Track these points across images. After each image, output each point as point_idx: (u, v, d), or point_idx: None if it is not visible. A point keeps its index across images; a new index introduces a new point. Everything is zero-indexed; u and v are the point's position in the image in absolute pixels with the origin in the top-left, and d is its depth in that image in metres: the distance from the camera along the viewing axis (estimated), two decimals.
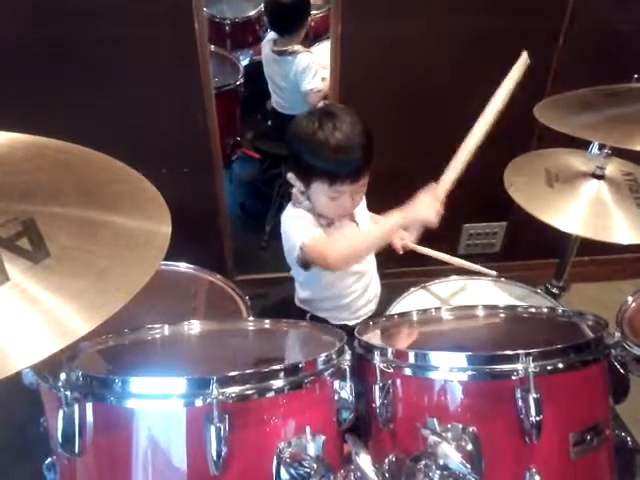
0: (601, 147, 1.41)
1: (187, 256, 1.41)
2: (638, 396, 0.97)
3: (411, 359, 0.89)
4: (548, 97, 1.42)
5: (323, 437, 0.80)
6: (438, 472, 0.80)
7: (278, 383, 0.78)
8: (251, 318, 1.28)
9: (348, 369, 0.88)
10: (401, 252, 1.46)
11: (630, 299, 1.35)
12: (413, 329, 1.16)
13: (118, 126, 1.69)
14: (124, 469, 0.78)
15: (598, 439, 0.87)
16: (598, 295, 2.16)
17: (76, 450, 0.77)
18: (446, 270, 1.53)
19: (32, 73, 1.62)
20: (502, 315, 1.16)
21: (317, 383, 0.84)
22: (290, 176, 1.24)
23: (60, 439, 0.76)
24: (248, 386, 0.76)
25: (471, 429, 0.82)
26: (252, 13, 3.04)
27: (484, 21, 1.75)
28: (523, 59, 1.32)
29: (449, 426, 0.84)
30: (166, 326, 1.06)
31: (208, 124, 1.81)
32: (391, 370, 0.90)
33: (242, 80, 2.50)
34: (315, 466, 0.75)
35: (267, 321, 1.14)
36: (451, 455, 0.79)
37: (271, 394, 0.78)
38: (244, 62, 2.78)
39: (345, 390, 0.87)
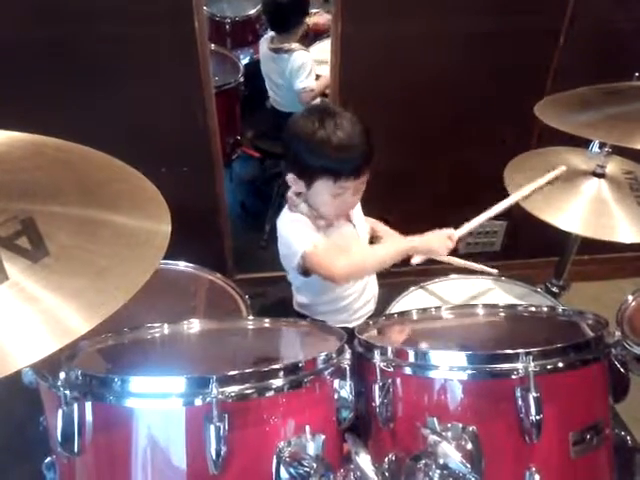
0: (601, 146, 1.40)
1: (187, 255, 1.41)
2: (638, 395, 0.97)
3: (411, 358, 0.89)
4: (548, 96, 1.42)
5: (323, 436, 0.80)
6: (438, 471, 0.80)
7: (278, 382, 0.78)
8: (251, 317, 1.28)
9: (348, 368, 0.88)
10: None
11: (630, 298, 1.35)
12: (413, 328, 1.16)
13: (118, 125, 1.69)
14: (123, 468, 0.78)
15: (598, 438, 0.87)
16: (598, 294, 2.16)
17: (75, 449, 0.77)
18: (445, 269, 1.53)
19: (32, 73, 1.62)
20: (502, 314, 1.16)
21: (317, 382, 0.84)
22: (290, 177, 1.23)
23: (59, 438, 0.76)
24: (248, 385, 0.76)
25: (471, 428, 0.82)
26: (252, 12, 3.04)
27: (484, 20, 1.75)
28: (558, 171, 1.41)
29: (449, 425, 0.84)
30: (166, 325, 1.06)
31: (208, 123, 1.81)
32: (391, 369, 0.90)
33: (242, 79, 2.50)
34: (315, 465, 0.75)
35: (267, 320, 1.13)
36: (451, 454, 0.79)
37: (271, 393, 0.78)
38: (244, 61, 2.78)
39: (345, 389, 0.86)
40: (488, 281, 1.49)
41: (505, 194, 1.42)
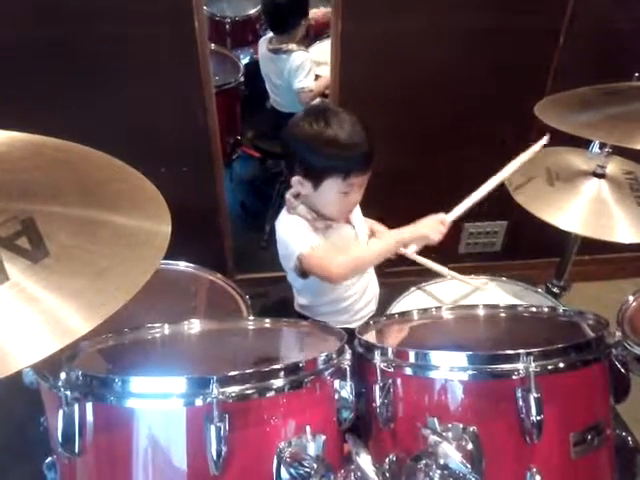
0: (602, 146, 1.41)
1: (187, 255, 1.41)
2: (639, 396, 0.97)
3: (411, 358, 0.89)
4: (548, 96, 1.42)
5: (323, 437, 0.80)
6: (438, 472, 0.79)
7: (278, 382, 0.78)
8: (251, 317, 1.28)
9: (348, 368, 0.88)
10: (392, 257, 1.46)
11: (631, 298, 1.34)
12: (413, 329, 1.16)
13: (118, 125, 1.69)
14: (124, 469, 0.78)
15: (599, 439, 0.87)
16: (599, 294, 2.16)
17: (76, 450, 0.77)
18: None
19: (32, 73, 1.62)
20: (503, 314, 1.15)
21: (317, 382, 0.84)
22: (296, 179, 1.23)
23: (60, 439, 0.76)
24: (248, 385, 0.76)
25: (471, 429, 0.82)
26: (252, 12, 3.04)
27: (484, 19, 1.75)
28: (542, 142, 1.39)
29: (449, 426, 0.83)
30: (166, 325, 1.06)
31: (208, 123, 1.81)
32: (391, 369, 0.90)
33: (242, 79, 2.50)
34: (315, 466, 0.75)
35: (267, 320, 1.13)
36: (451, 455, 0.79)
37: (271, 394, 0.78)
38: (244, 61, 2.78)
39: (345, 389, 0.86)
40: (489, 281, 1.49)
41: (506, 194, 1.42)
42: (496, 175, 1.36)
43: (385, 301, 1.45)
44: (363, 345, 0.99)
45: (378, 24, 1.70)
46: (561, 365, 0.83)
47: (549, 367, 0.82)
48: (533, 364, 0.80)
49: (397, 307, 1.41)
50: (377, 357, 0.91)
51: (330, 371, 0.86)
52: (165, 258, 0.75)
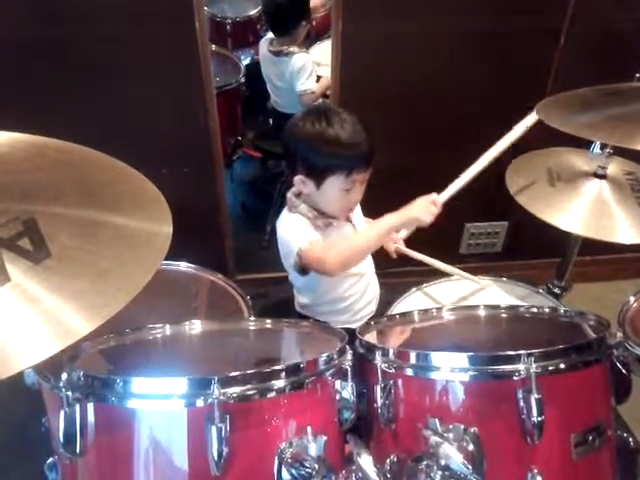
0: (603, 146, 1.40)
1: (188, 255, 1.41)
2: None
3: (412, 359, 0.89)
4: (549, 96, 1.41)
5: (324, 437, 0.80)
6: (440, 473, 0.79)
7: (279, 383, 0.78)
8: (252, 318, 1.28)
9: (349, 369, 0.88)
10: (394, 256, 1.46)
11: (632, 299, 1.34)
12: (414, 329, 1.16)
13: (118, 126, 1.69)
14: (125, 469, 0.78)
15: (600, 440, 0.87)
16: (600, 295, 2.16)
17: (78, 450, 0.77)
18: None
19: (32, 73, 1.62)
20: (504, 315, 1.15)
21: (318, 383, 0.84)
22: (298, 179, 1.24)
23: (62, 439, 0.76)
24: (249, 386, 0.76)
25: (473, 429, 0.82)
26: (253, 12, 3.04)
27: (485, 19, 1.75)
28: (531, 118, 1.36)
29: (451, 426, 0.83)
30: (167, 326, 1.06)
31: (209, 124, 1.81)
32: (392, 370, 0.90)
33: (243, 79, 2.50)
34: (316, 466, 0.75)
35: (268, 321, 1.13)
36: (453, 456, 0.79)
37: (272, 394, 0.78)
38: (245, 61, 2.78)
39: (346, 390, 0.86)
40: (490, 282, 1.49)
41: (507, 195, 1.42)
42: (487, 152, 1.35)
43: (386, 302, 1.45)
44: (364, 346, 0.99)
45: (379, 25, 1.70)
46: (562, 366, 0.83)
47: (550, 368, 0.82)
48: (534, 365, 0.80)
49: (398, 308, 1.41)
50: (378, 358, 0.92)
51: (331, 372, 0.86)
52: (166, 259, 0.75)
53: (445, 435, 0.82)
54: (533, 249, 2.19)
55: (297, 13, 2.40)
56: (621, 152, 1.42)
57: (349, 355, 0.90)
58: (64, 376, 0.77)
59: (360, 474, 0.82)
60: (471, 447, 0.81)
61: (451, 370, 0.85)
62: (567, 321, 1.09)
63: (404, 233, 1.23)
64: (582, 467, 0.87)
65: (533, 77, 1.85)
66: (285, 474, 0.76)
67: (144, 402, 0.76)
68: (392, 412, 0.90)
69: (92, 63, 1.63)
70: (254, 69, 2.61)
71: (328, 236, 1.27)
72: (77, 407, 0.77)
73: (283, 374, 0.79)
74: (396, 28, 1.72)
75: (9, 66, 1.58)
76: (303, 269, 1.25)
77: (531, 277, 1.58)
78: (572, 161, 1.51)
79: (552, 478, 0.83)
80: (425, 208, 1.21)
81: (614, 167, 1.46)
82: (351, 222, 1.36)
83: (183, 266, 1.44)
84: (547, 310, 1.16)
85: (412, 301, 1.44)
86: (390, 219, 1.20)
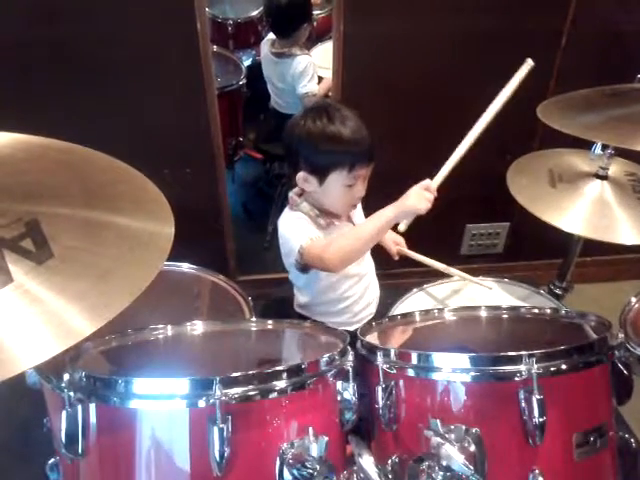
0: (604, 147, 1.41)
1: (189, 256, 1.41)
2: None
3: (414, 360, 0.89)
4: (551, 97, 1.42)
5: (326, 438, 0.80)
6: (441, 473, 0.79)
7: (281, 384, 0.78)
8: (254, 319, 1.28)
9: (351, 370, 0.88)
10: (396, 258, 1.46)
11: (633, 300, 1.35)
12: (416, 330, 1.16)
13: (120, 126, 1.69)
14: (127, 470, 0.78)
15: (602, 440, 0.87)
16: (601, 296, 2.15)
17: (79, 451, 0.77)
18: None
19: (32, 73, 1.62)
20: (505, 316, 1.16)
21: (320, 384, 0.84)
22: (301, 176, 1.24)
23: (63, 440, 0.76)
24: (251, 387, 0.76)
25: (474, 430, 0.82)
26: (254, 13, 3.04)
27: (487, 21, 1.75)
28: (527, 65, 1.33)
29: (452, 427, 0.83)
30: (169, 327, 1.06)
31: (210, 124, 1.81)
32: (394, 371, 0.90)
33: (245, 80, 2.50)
34: (318, 467, 0.75)
35: (270, 322, 1.14)
36: (454, 456, 0.79)
37: (274, 395, 0.78)
38: (247, 62, 2.78)
39: (348, 391, 0.86)
40: (491, 282, 1.49)
41: (508, 196, 1.42)
42: (482, 115, 1.32)
43: (387, 302, 1.45)
44: (365, 347, 0.99)
45: (380, 26, 1.71)
46: (564, 367, 0.83)
47: (552, 369, 0.82)
48: (535, 366, 0.80)
49: (399, 308, 1.41)
50: (379, 359, 0.92)
51: (333, 372, 0.86)
52: (168, 259, 0.75)
53: (446, 436, 0.82)
54: (534, 250, 2.19)
55: (298, 15, 2.40)
56: (622, 153, 1.42)
57: (350, 356, 0.91)
58: (66, 376, 0.77)
59: (361, 475, 0.82)
60: (473, 448, 0.81)
61: (452, 371, 0.85)
62: (568, 322, 1.09)
63: (404, 224, 1.22)
64: (584, 468, 0.86)
65: (535, 78, 1.85)
66: (287, 475, 0.76)
67: (146, 402, 0.76)
68: (393, 413, 0.90)
69: (93, 64, 1.63)
70: (256, 70, 2.61)
71: (329, 235, 1.27)
72: (79, 408, 0.77)
73: (285, 375, 0.79)
74: (397, 29, 1.72)
75: (9, 66, 1.59)
76: (304, 267, 1.25)
77: (532, 278, 1.58)
78: (573, 162, 1.51)
79: (554, 479, 0.83)
80: (419, 195, 1.16)
81: (615, 168, 1.46)
82: (352, 221, 1.36)
83: (185, 267, 1.45)
84: (548, 311, 1.16)
85: (413, 302, 1.44)
86: (386, 212, 1.17)
